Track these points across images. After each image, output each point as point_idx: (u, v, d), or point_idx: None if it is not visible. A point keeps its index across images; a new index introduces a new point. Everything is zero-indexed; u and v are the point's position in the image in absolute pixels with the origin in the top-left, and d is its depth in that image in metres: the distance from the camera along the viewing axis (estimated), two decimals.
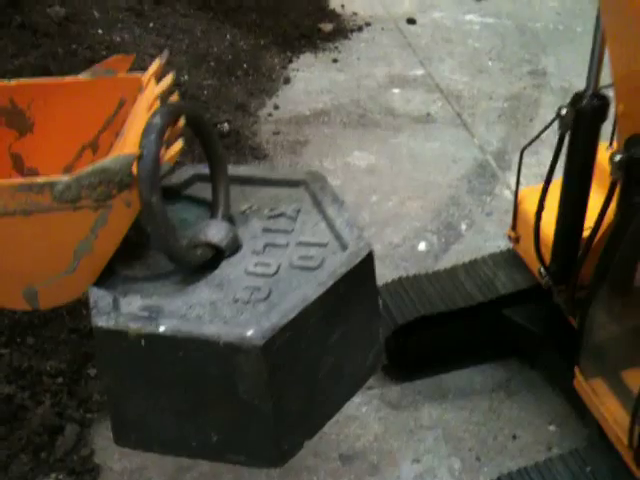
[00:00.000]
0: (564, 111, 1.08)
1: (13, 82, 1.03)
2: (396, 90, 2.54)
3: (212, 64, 2.42)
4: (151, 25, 2.40)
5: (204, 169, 1.02)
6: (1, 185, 0.86)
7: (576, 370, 1.11)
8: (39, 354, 1.40)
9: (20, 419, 1.31)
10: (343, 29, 2.96)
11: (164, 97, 0.95)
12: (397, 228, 1.87)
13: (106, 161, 0.84)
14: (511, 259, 1.42)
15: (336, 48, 2.82)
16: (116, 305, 0.86)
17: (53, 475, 1.28)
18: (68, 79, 1.05)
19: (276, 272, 0.89)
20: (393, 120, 2.37)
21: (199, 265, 0.91)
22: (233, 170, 1.04)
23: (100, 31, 2.22)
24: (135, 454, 1.33)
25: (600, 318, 1.07)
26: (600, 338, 1.09)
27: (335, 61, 2.72)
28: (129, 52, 2.21)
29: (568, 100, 1.14)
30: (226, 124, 2.17)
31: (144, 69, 2.30)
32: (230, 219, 0.97)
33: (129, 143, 0.91)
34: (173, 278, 0.91)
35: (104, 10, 2.31)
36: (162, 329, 0.82)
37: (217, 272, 0.91)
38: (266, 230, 0.97)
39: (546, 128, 1.16)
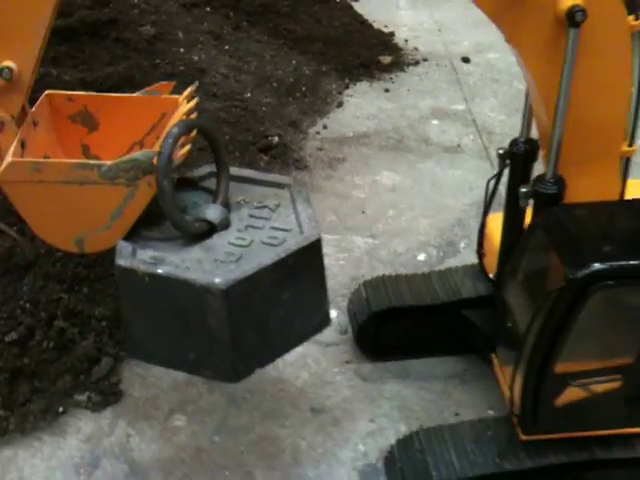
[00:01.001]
0: (501, 151, 1.37)
1: (87, 94, 1.42)
2: (435, 121, 2.84)
3: (274, 85, 2.79)
4: (226, 47, 2.80)
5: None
6: (67, 163, 1.23)
7: (493, 356, 1.38)
8: (90, 301, 1.78)
9: (68, 348, 1.69)
10: (401, 62, 3.27)
11: (189, 113, 1.30)
12: (404, 240, 2.17)
13: (137, 154, 1.20)
14: (478, 271, 1.69)
15: (391, 79, 3.14)
16: (134, 253, 1.21)
17: (87, 393, 1.65)
18: (127, 96, 1.42)
19: (249, 245, 1.22)
20: (425, 147, 2.66)
21: (197, 234, 1.25)
22: (237, 171, 1.38)
23: (182, 50, 2.63)
24: (151, 386, 1.69)
25: (502, 312, 1.35)
26: (504, 328, 1.36)
27: (387, 91, 3.04)
28: (204, 70, 2.63)
29: None
30: (276, 137, 2.52)
31: (216, 84, 2.69)
32: (226, 205, 1.30)
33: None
34: (178, 241, 1.25)
35: (188, 32, 2.72)
36: (160, 271, 1.16)
37: (209, 240, 1.25)
38: (251, 216, 1.30)
39: (504, 167, 1.44)
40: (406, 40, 3.52)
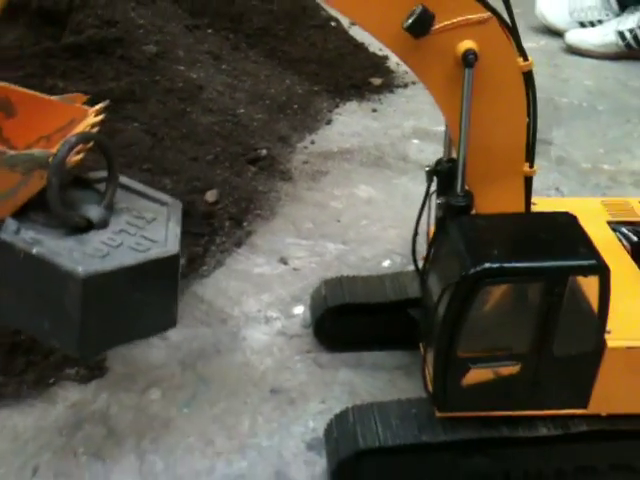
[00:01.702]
0: (427, 169, 1.60)
1: (13, 87, 1.62)
2: (415, 141, 3.06)
3: (267, 102, 3.03)
4: (224, 67, 3.05)
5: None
6: None
7: (420, 345, 1.60)
8: None
9: None
10: (391, 84, 3.50)
11: (93, 126, 1.52)
12: (372, 247, 2.39)
13: (37, 150, 1.43)
14: None
15: (379, 100, 3.37)
16: (17, 231, 1.40)
17: (75, 368, 1.87)
18: (46, 96, 1.62)
19: (118, 246, 1.43)
20: (403, 164, 2.89)
21: (75, 227, 1.44)
22: (129, 182, 1.59)
23: (182, 68, 2.88)
24: (132, 364, 1.92)
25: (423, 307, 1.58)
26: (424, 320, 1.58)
27: (374, 110, 3.28)
28: (201, 87, 2.88)
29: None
30: (265, 150, 2.76)
31: (212, 100, 2.94)
32: (109, 208, 1.50)
33: None
34: (59, 230, 1.44)
35: (189, 51, 2.98)
36: (34, 251, 1.37)
37: (85, 235, 1.44)
38: (128, 223, 1.49)
39: (431, 182, 1.66)
40: (398, 64, 3.74)
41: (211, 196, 2.41)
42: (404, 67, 3.70)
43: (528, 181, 1.53)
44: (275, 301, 2.15)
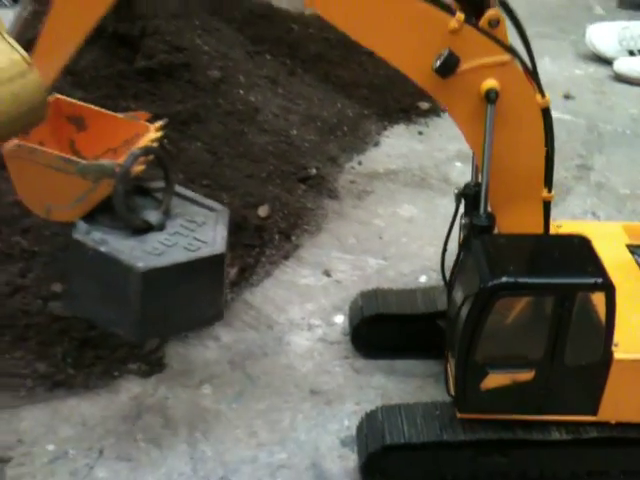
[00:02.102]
0: (456, 191, 1.77)
1: (86, 105, 1.87)
2: (458, 163, 3.22)
3: (319, 124, 3.24)
4: (280, 91, 3.27)
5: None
6: (55, 154, 1.65)
7: (446, 352, 1.76)
8: None
9: None
10: (437, 109, 3.65)
11: (154, 140, 1.74)
12: (410, 263, 2.56)
13: (106, 161, 1.65)
14: None
15: (426, 123, 3.54)
16: (87, 232, 1.64)
17: (138, 363, 2.09)
18: (114, 114, 1.86)
19: (172, 245, 1.66)
20: (445, 186, 3.05)
21: (137, 229, 1.67)
22: (183, 190, 1.83)
23: (241, 91, 3.11)
24: (188, 362, 2.13)
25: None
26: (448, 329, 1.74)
27: (420, 134, 3.45)
28: (258, 109, 3.10)
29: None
30: (314, 169, 2.96)
31: (268, 122, 3.17)
32: (166, 213, 1.74)
33: None
34: (122, 231, 1.67)
35: (249, 76, 3.20)
36: (102, 249, 1.60)
37: (145, 236, 1.67)
38: (181, 226, 1.73)
39: (459, 204, 1.82)
40: None
41: (263, 211, 2.62)
42: None
43: (546, 205, 1.68)
44: (318, 310, 2.34)
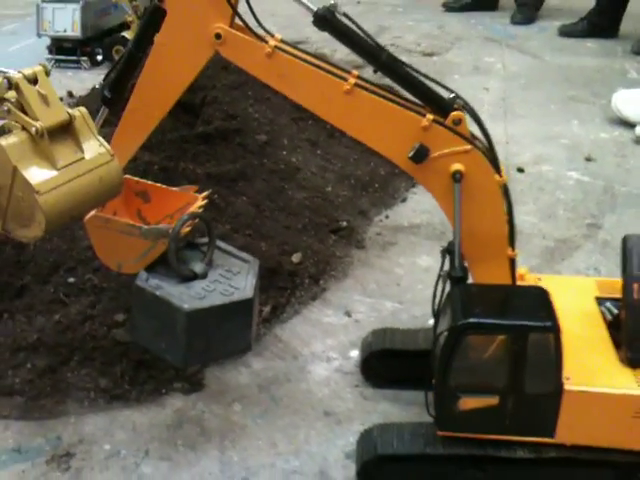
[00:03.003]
0: (441, 248, 2.13)
1: (149, 182, 2.33)
2: None
3: (352, 181, 3.65)
4: (319, 152, 3.71)
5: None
6: (124, 222, 2.12)
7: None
8: None
9: None
10: None
11: (200, 207, 2.17)
12: (422, 307, 2.89)
13: (162, 225, 2.10)
14: None
15: None
16: (147, 279, 2.06)
17: (182, 383, 2.51)
18: (170, 188, 2.29)
19: (212, 291, 2.06)
20: None
21: (186, 278, 2.08)
22: (224, 245, 2.24)
23: (284, 153, 3.56)
24: (222, 384, 2.53)
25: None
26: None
27: None
28: (299, 169, 3.54)
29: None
30: (345, 222, 3.36)
31: (306, 179, 3.62)
32: (209, 264, 2.14)
33: None
34: (175, 279, 2.08)
35: (292, 139, 3.66)
36: (157, 293, 2.02)
37: (191, 283, 2.08)
38: (220, 275, 2.13)
39: (444, 259, 2.17)
40: None
41: (296, 258, 3.04)
42: None
43: (512, 260, 2.04)
44: (337, 345, 2.72)
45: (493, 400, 1.93)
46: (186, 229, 2.13)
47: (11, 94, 1.68)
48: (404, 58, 1.98)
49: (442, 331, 1.91)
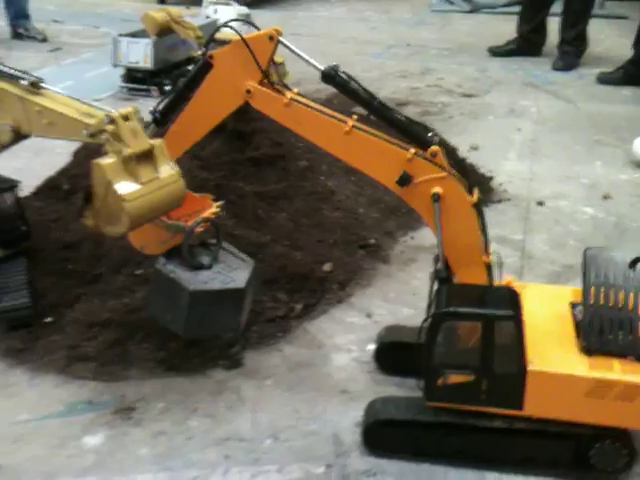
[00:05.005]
0: (433, 256, 2.68)
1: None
2: (494, 244, 4.08)
3: (382, 206, 4.22)
4: (353, 178, 4.28)
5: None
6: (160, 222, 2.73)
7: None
8: None
9: (220, 337, 3.17)
10: (487, 200, 4.53)
11: (213, 213, 2.76)
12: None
13: (180, 222, 2.69)
14: None
15: None
16: (164, 264, 2.66)
17: (224, 361, 3.10)
18: (191, 192, 2.78)
19: (213, 279, 2.65)
20: None
21: (195, 267, 2.67)
22: (227, 246, 2.83)
23: (322, 177, 4.15)
24: (257, 364, 3.11)
25: None
26: None
27: None
28: (334, 192, 4.15)
29: None
30: (373, 240, 3.93)
31: (341, 202, 4.25)
32: (214, 259, 2.73)
33: None
34: (187, 267, 2.66)
35: (330, 165, 4.25)
36: (170, 275, 2.62)
37: (199, 272, 2.67)
38: (222, 268, 2.72)
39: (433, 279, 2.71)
40: (500, 184, 4.83)
41: (327, 267, 3.62)
42: (504, 187, 4.84)
43: (488, 265, 2.57)
44: (356, 340, 3.27)
45: (470, 377, 2.45)
46: (199, 229, 2.72)
47: (110, 127, 2.23)
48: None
49: (427, 318, 2.46)
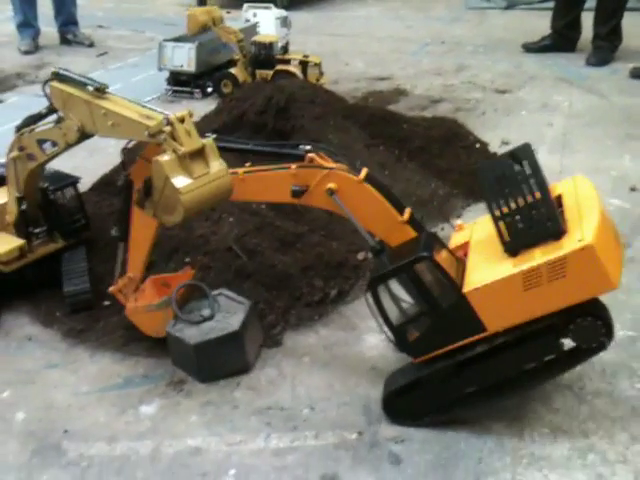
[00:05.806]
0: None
1: (169, 274, 3.42)
2: None
3: (414, 199, 4.49)
4: (386, 173, 4.54)
5: (221, 291, 3.28)
6: (144, 304, 3.25)
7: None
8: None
9: (265, 316, 3.49)
10: None
11: (189, 283, 3.32)
12: None
13: (164, 297, 3.20)
14: None
15: None
16: (173, 324, 3.13)
17: (270, 340, 3.43)
18: (176, 274, 3.40)
19: (214, 328, 3.07)
20: None
21: (198, 321, 3.12)
22: (226, 292, 3.29)
23: None
24: (298, 345, 3.41)
25: None
26: None
27: None
28: None
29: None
30: None
31: None
32: (213, 309, 3.16)
33: None
34: (192, 323, 3.12)
35: (364, 163, 4.51)
36: (177, 335, 3.07)
37: (201, 324, 3.10)
38: (222, 315, 3.14)
39: None
40: None
41: (361, 255, 3.91)
42: None
43: (409, 220, 2.84)
44: None
45: (429, 322, 2.61)
46: (180, 294, 3.19)
47: (167, 128, 2.49)
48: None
49: (365, 291, 2.73)
